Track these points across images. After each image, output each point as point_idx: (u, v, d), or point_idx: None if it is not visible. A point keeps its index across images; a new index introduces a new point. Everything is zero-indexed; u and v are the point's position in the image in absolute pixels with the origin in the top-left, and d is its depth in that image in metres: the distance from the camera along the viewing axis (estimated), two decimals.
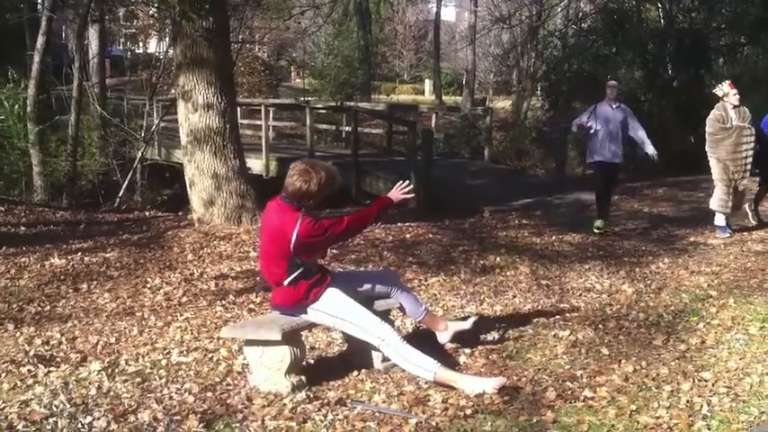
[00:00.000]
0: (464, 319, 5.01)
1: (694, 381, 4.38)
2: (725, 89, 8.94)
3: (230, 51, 10.89)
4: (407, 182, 4.71)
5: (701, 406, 4.02)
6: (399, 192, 4.64)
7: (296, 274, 4.35)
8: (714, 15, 18.25)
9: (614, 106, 9.25)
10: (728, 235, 8.78)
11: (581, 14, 22.97)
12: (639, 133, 9.33)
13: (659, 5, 19.28)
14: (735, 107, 8.80)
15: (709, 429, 3.77)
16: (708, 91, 17.45)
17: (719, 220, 8.97)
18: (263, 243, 4.61)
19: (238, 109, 16.62)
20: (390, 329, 4.38)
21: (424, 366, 4.25)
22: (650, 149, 9.30)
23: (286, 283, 4.39)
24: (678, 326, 5.50)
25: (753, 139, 8.82)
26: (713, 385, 4.32)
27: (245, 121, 20.15)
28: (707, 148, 8.94)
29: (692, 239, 8.75)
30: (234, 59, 16.02)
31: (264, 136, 16.04)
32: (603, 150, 9.18)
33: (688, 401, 4.08)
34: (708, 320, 5.59)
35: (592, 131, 9.18)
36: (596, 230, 9.21)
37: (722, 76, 18.24)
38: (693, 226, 9.58)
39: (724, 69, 18.49)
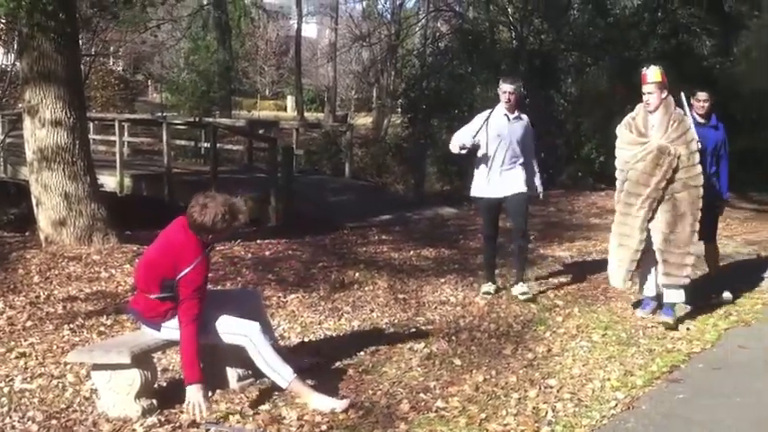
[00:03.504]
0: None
1: (540, 388, 4.58)
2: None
3: (80, 64, 10.50)
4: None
5: (547, 412, 4.21)
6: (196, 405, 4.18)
7: (165, 295, 4.27)
8: (562, 37, 19.18)
9: (512, 117, 6.69)
10: (670, 319, 5.91)
11: (438, 34, 23.59)
12: (526, 159, 6.82)
13: (511, 27, 20.07)
14: (652, 112, 5.96)
15: None
16: (555, 110, 18.47)
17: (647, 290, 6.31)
18: (152, 251, 4.45)
19: (90, 124, 16.09)
20: (256, 327, 4.33)
21: (280, 373, 4.25)
22: (538, 184, 6.98)
23: (152, 297, 4.29)
24: (527, 335, 5.73)
25: (696, 175, 5.88)
26: (558, 391, 4.53)
27: (99, 137, 19.48)
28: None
29: (541, 251, 9.11)
30: (86, 73, 15.46)
31: (119, 152, 15.52)
32: (492, 180, 6.67)
33: (534, 408, 4.26)
34: (554, 329, 5.87)
35: (479, 153, 6.67)
36: (484, 296, 6.87)
37: (570, 95, 19.30)
38: (542, 240, 9.98)
39: (572, 88, 19.48)
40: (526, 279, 7.01)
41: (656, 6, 19.39)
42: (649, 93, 5.97)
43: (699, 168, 5.91)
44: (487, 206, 6.86)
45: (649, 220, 5.87)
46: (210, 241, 4.37)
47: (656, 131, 5.91)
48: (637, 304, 6.47)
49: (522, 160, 6.75)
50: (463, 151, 6.57)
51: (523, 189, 6.71)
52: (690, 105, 6.55)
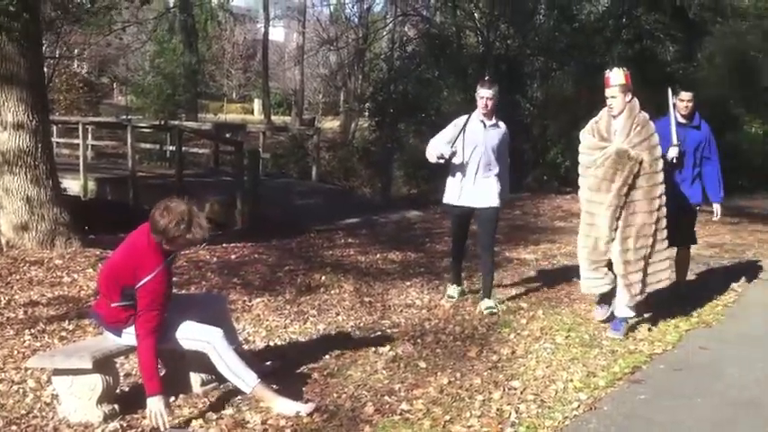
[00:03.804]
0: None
1: (504, 389, 4.61)
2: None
3: (44, 67, 10.37)
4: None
5: (510, 413, 4.24)
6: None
7: (126, 303, 4.22)
8: (528, 42, 19.36)
9: (488, 124, 6.41)
10: (619, 335, 5.74)
11: (405, 39, 23.68)
12: (500, 169, 6.50)
13: (478, 32, 20.22)
14: (616, 116, 5.70)
15: None
16: (521, 115, 18.64)
17: (600, 309, 6.22)
18: (116, 256, 4.39)
19: (54, 127, 15.92)
20: (218, 333, 4.29)
21: (243, 378, 4.23)
22: (503, 194, 6.54)
23: (113, 305, 4.25)
24: (491, 337, 5.75)
25: (658, 184, 5.62)
26: (522, 393, 4.56)
27: (62, 140, 19.32)
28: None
29: (506, 254, 9.15)
30: (50, 75, 15.30)
31: (82, 155, 15.39)
32: (466, 189, 6.42)
33: (498, 410, 4.28)
34: (518, 331, 5.90)
35: (454, 160, 6.36)
36: (449, 299, 6.83)
37: (536, 99, 19.48)
38: (507, 242, 10.04)
39: (538, 93, 19.68)
40: (493, 294, 6.67)
41: (620, 12, 19.66)
42: (612, 96, 5.69)
43: (661, 177, 5.64)
44: (459, 215, 6.62)
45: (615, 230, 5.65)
46: (168, 248, 4.30)
47: (618, 136, 5.63)
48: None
49: (497, 170, 6.44)
50: (441, 161, 6.32)
51: (496, 203, 6.44)
52: (674, 105, 6.52)
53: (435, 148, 6.36)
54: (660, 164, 5.67)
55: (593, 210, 5.72)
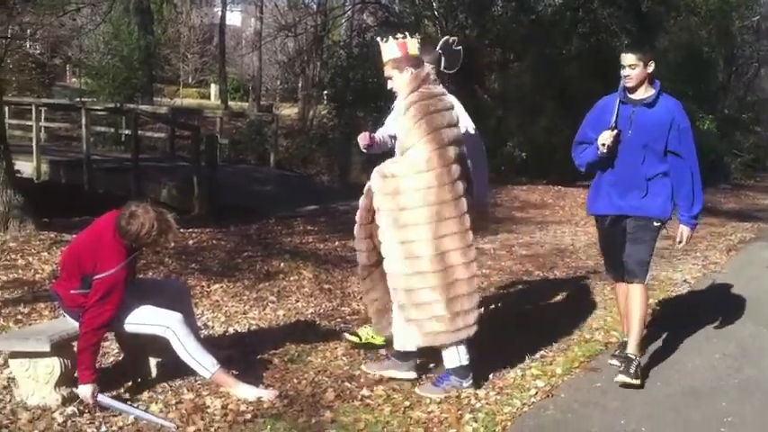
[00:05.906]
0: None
1: None
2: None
3: None
4: None
5: (470, 400, 4.29)
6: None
7: (84, 291, 4.15)
8: (486, 33, 19.44)
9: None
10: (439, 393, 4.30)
11: (364, 27, 23.62)
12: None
13: (436, 22, 20.24)
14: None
15: (476, 421, 4.03)
16: (478, 105, 18.75)
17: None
18: (80, 241, 4.33)
19: (6, 108, 15.57)
20: (178, 318, 4.26)
21: (203, 363, 4.22)
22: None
23: (72, 291, 4.20)
24: None
25: (442, 185, 4.14)
26: (480, 380, 4.60)
27: (15, 122, 18.91)
28: None
29: None
30: (2, 56, 14.98)
31: (36, 137, 15.12)
32: None
33: (457, 396, 4.33)
34: None
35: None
36: (349, 338, 5.17)
37: (494, 90, 19.59)
38: None
39: (496, 84, 19.78)
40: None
41: (576, 5, 19.84)
42: (388, 77, 4.24)
43: (443, 176, 4.09)
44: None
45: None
46: (135, 246, 4.23)
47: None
48: None
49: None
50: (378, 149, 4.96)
51: None
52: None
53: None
54: (448, 155, 4.10)
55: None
